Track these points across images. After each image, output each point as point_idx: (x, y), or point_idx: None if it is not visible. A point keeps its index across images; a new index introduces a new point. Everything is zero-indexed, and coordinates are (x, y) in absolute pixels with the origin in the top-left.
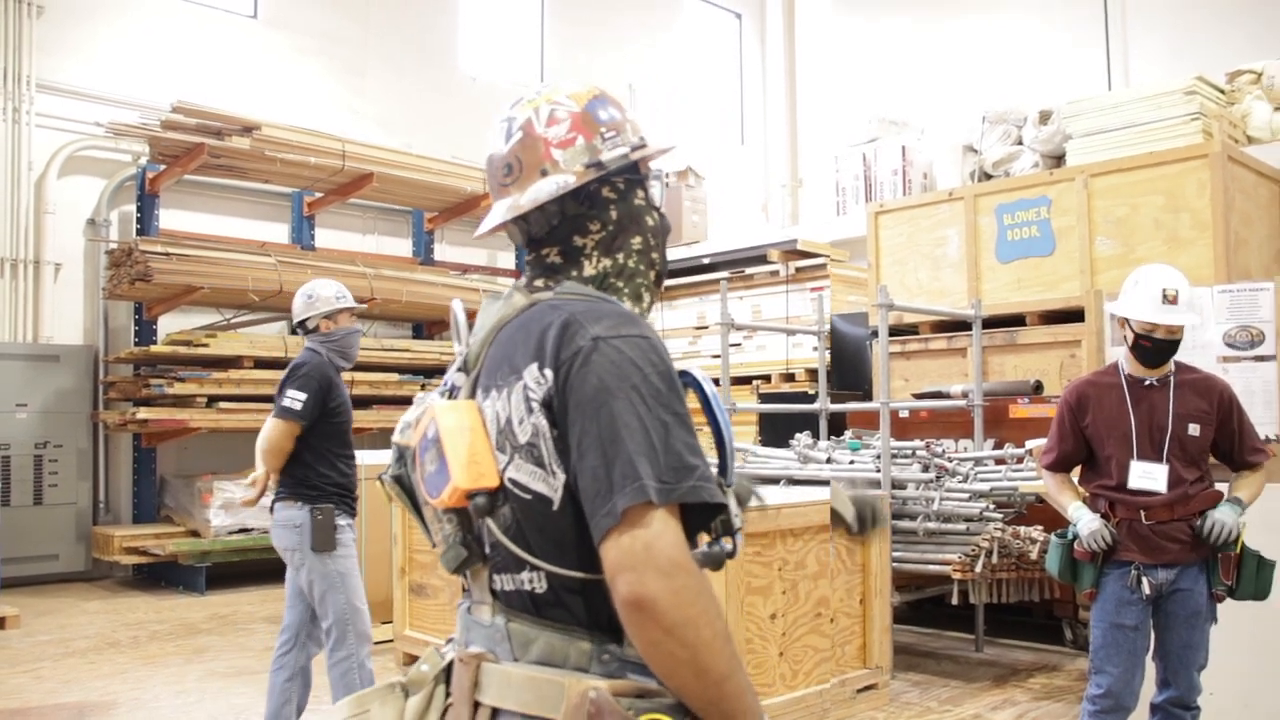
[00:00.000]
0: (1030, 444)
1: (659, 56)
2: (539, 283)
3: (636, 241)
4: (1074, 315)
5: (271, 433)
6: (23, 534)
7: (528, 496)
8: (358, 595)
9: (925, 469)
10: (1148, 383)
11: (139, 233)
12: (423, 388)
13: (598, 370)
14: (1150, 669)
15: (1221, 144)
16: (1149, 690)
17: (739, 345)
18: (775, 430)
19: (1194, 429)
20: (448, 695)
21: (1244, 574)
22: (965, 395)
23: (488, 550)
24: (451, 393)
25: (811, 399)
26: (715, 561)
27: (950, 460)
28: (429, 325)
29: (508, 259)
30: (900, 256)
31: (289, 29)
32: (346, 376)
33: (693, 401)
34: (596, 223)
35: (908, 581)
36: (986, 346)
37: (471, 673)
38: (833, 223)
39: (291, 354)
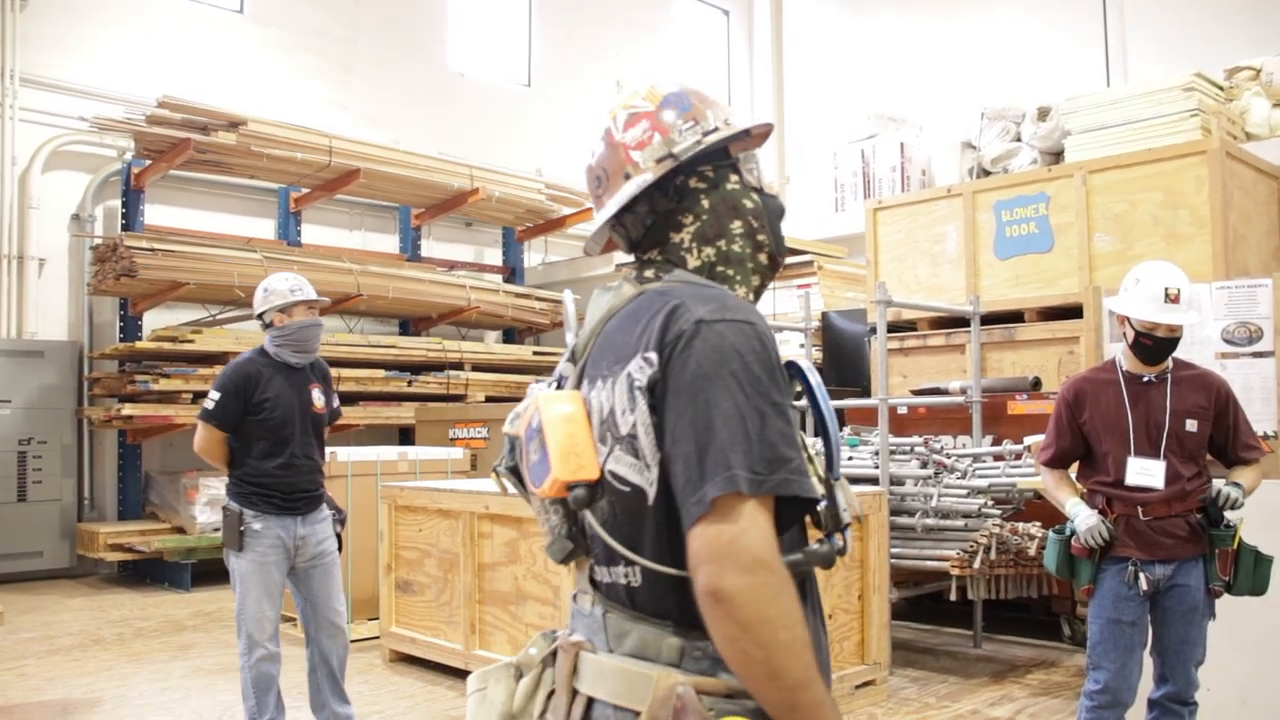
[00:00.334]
0: (1029, 440)
1: (647, 53)
2: (648, 273)
3: (737, 226)
4: (1072, 312)
5: (196, 433)
6: (7, 531)
7: (625, 489)
8: (251, 598)
9: (923, 465)
10: (1145, 379)
11: (124, 228)
12: (409, 384)
13: (698, 355)
14: (1148, 664)
15: (1220, 140)
16: (1147, 686)
17: None
18: None
19: (1191, 425)
20: (554, 680)
21: (1241, 569)
22: (963, 391)
23: (589, 542)
24: (559, 383)
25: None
26: (826, 559)
27: (948, 457)
28: (416, 321)
29: (495, 255)
30: (899, 253)
31: (276, 25)
32: (332, 372)
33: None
34: (689, 215)
35: (906, 577)
36: (985, 343)
37: (571, 660)
38: (831, 219)
39: None
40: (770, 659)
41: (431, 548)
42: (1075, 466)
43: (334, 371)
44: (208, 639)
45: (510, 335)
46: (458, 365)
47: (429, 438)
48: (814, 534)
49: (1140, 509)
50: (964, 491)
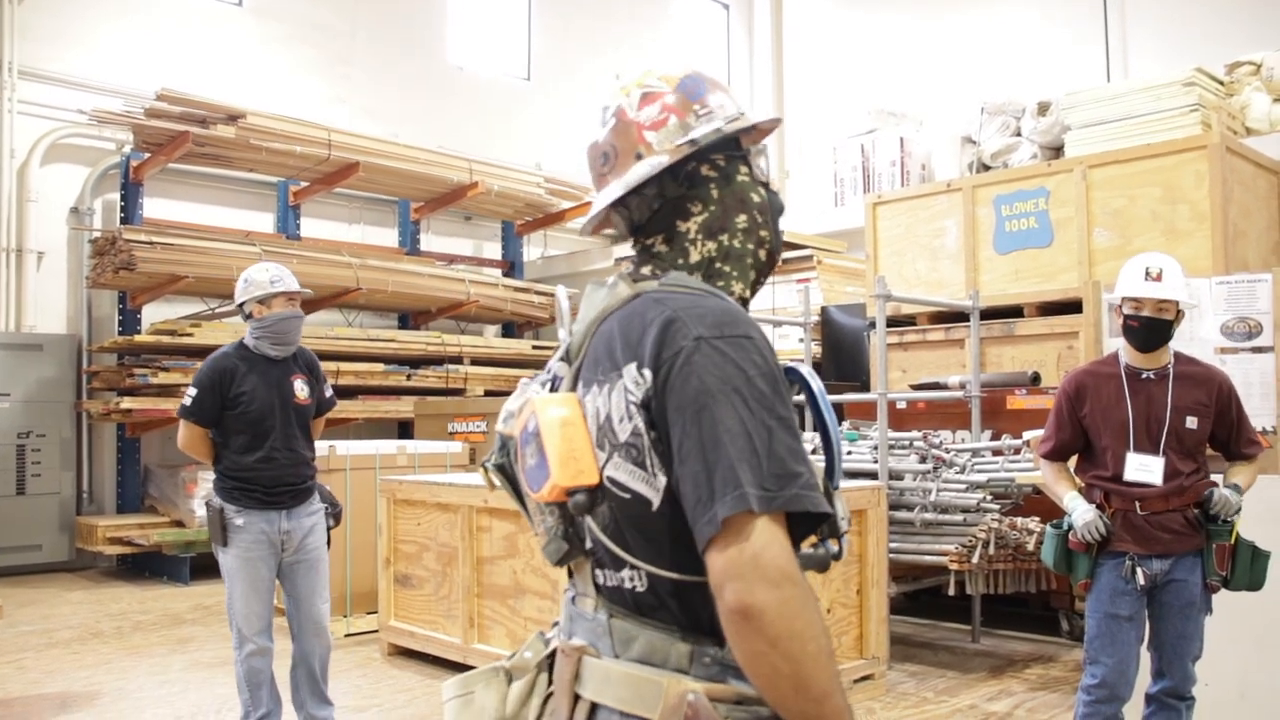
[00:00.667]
0: (1027, 435)
1: (647, 47)
2: (645, 270)
3: (742, 220)
4: (1072, 306)
5: (179, 430)
6: (6, 524)
7: (626, 496)
8: (239, 593)
9: (922, 460)
10: (1146, 375)
11: (123, 221)
12: (408, 377)
13: (699, 372)
14: (1145, 659)
15: (1220, 135)
16: (1144, 680)
17: None
18: None
19: (1192, 422)
20: (549, 684)
21: (1238, 565)
22: (963, 386)
23: (589, 545)
24: (553, 383)
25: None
26: (821, 564)
27: (947, 451)
28: (415, 315)
29: (494, 249)
30: (898, 247)
31: (275, 18)
32: (330, 366)
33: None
34: (698, 203)
35: (904, 572)
36: (984, 338)
37: (573, 665)
38: (830, 214)
39: None
40: (798, 672)
41: (430, 541)
42: (1074, 461)
43: (333, 365)
44: (206, 632)
45: (509, 329)
46: (457, 359)
47: (428, 432)
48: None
49: (1138, 504)
50: (963, 486)
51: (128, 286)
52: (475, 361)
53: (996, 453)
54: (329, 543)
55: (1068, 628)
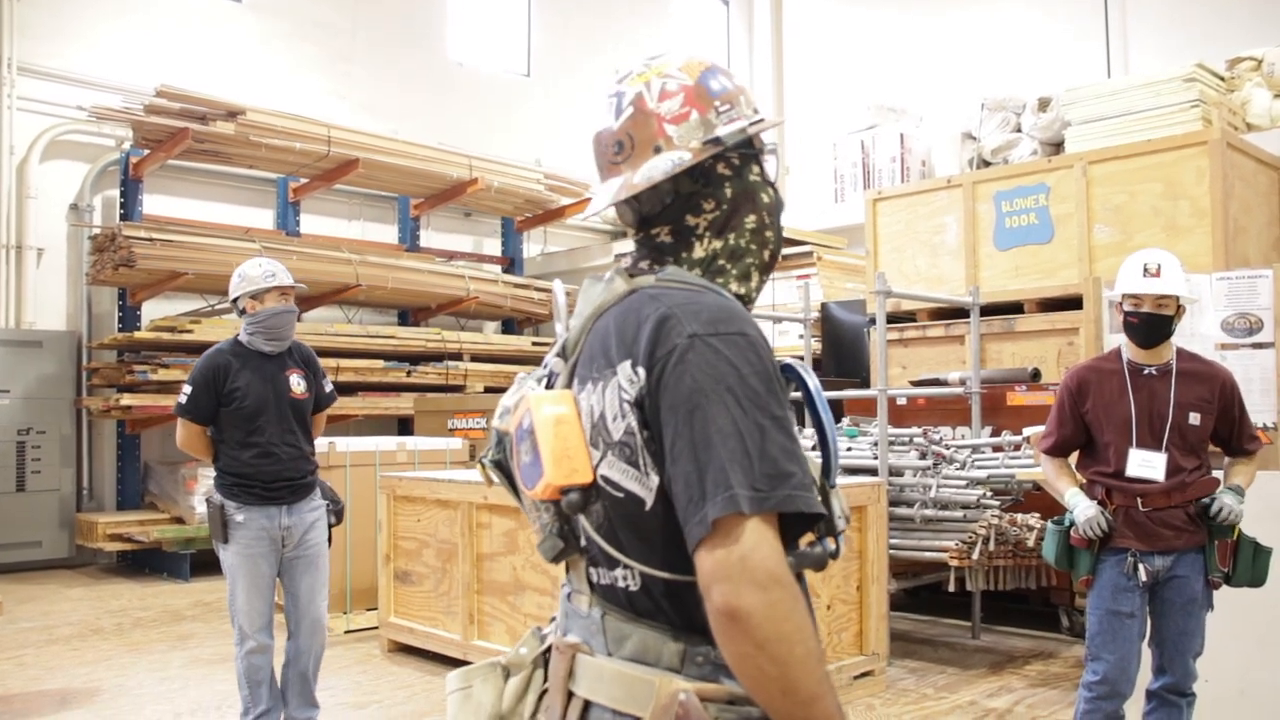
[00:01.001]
0: (1028, 431)
1: (647, 43)
2: (643, 265)
3: (751, 220)
4: (1072, 303)
5: (177, 429)
6: (6, 521)
7: (619, 495)
8: (240, 590)
9: (922, 456)
10: (1148, 371)
11: (122, 218)
12: (408, 374)
13: (692, 370)
14: (1146, 656)
15: (1221, 131)
16: (1145, 677)
17: None
18: None
19: (1195, 418)
20: (545, 680)
21: (1240, 561)
22: (963, 382)
23: (583, 543)
24: (549, 379)
25: None
26: (818, 562)
27: (947, 448)
28: (415, 312)
29: (494, 246)
30: (898, 244)
31: (274, 14)
32: (330, 363)
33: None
34: (711, 201)
35: (904, 568)
36: (984, 334)
37: (567, 662)
38: (830, 210)
39: None
40: (786, 674)
41: (430, 538)
42: (1074, 457)
43: (333, 362)
44: (206, 629)
45: (509, 326)
46: (456, 356)
47: (428, 428)
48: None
49: (1140, 500)
50: (963, 482)
51: (127, 283)
52: (475, 358)
53: (997, 449)
54: (330, 540)
55: (1068, 624)
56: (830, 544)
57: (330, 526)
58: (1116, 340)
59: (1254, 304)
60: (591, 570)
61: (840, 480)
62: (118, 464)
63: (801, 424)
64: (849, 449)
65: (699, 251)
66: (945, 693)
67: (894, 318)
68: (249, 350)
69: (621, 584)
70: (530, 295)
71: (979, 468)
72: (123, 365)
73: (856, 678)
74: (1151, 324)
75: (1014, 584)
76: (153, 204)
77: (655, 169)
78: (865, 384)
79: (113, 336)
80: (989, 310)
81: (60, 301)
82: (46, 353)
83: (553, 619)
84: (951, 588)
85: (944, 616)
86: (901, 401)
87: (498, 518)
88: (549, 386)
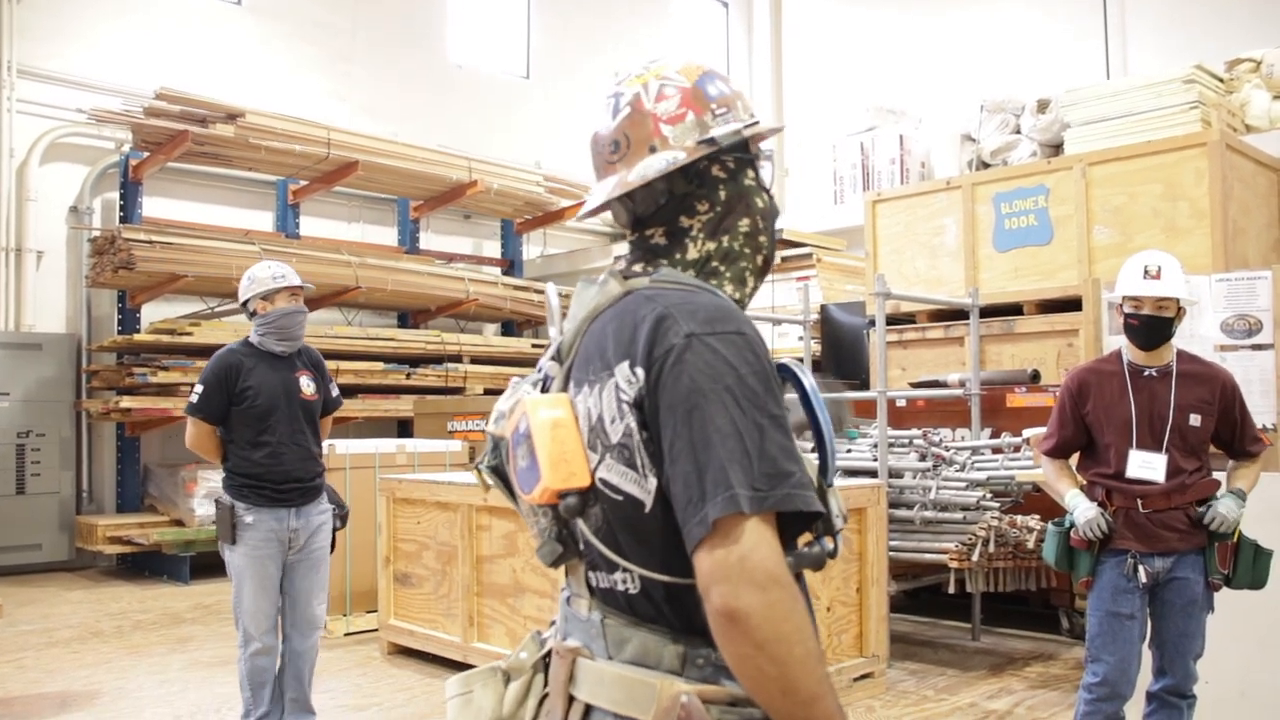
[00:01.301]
0: (1027, 433)
1: (646, 45)
2: (637, 267)
3: (744, 224)
4: (1071, 304)
5: (187, 428)
6: (5, 523)
7: (618, 498)
8: (247, 591)
9: (922, 458)
10: (1148, 372)
11: (122, 220)
12: (408, 376)
13: (690, 370)
14: (1147, 657)
15: (1220, 132)
16: (1145, 678)
17: None
18: None
19: (1195, 419)
20: (545, 684)
21: (1241, 563)
22: (962, 384)
23: (581, 547)
24: (544, 383)
25: None
26: (816, 562)
27: (947, 449)
28: (414, 314)
29: (493, 248)
30: (898, 245)
31: (274, 16)
32: (330, 365)
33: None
34: (705, 203)
35: (904, 570)
36: (984, 335)
37: (567, 666)
38: (830, 212)
39: None
40: (785, 675)
41: (430, 540)
42: (1074, 458)
43: (333, 364)
44: (206, 632)
45: (509, 328)
46: (456, 358)
47: (427, 430)
48: (804, 536)
49: (1140, 501)
50: (962, 484)
51: (127, 286)
52: (475, 360)
53: (996, 450)
54: (333, 545)
55: (1068, 625)
56: (828, 543)
57: (334, 531)
58: (1116, 342)
59: (1253, 305)
60: (591, 574)
61: (840, 482)
62: (117, 466)
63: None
64: (849, 451)
65: (693, 253)
66: (945, 694)
67: (893, 319)
68: (260, 351)
69: (621, 587)
70: (530, 297)
71: (979, 469)
72: (122, 368)
73: (856, 680)
74: (1152, 326)
75: (1014, 586)
76: (152, 206)
77: (650, 167)
78: (865, 386)
79: (112, 339)
80: (988, 312)
81: (60, 304)
82: (46, 355)
83: (552, 622)
84: (951, 589)
85: (944, 618)
86: (901, 403)
87: (497, 520)
88: (544, 390)
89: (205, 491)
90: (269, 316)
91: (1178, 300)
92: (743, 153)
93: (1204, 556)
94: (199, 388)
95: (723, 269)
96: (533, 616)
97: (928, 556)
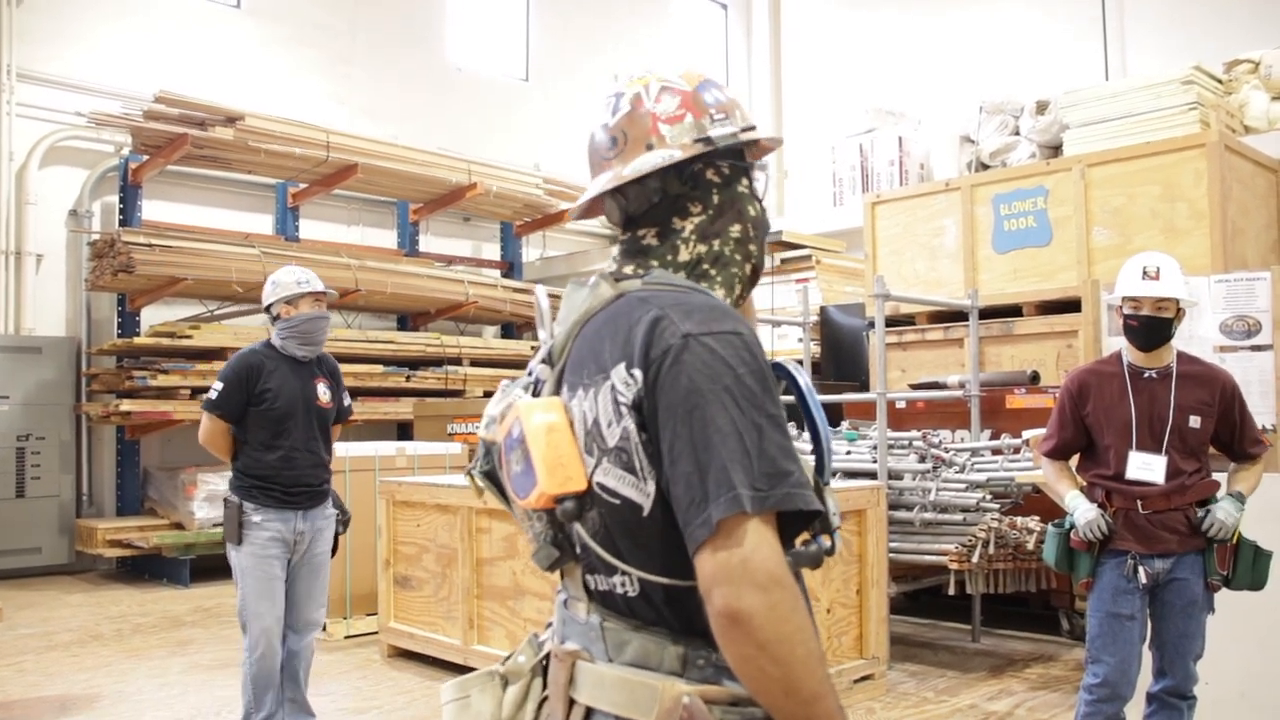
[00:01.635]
0: (1027, 434)
1: (645, 47)
2: (628, 269)
3: (735, 230)
4: (1071, 305)
5: (201, 424)
6: (5, 527)
7: (616, 501)
8: (252, 592)
9: (922, 460)
10: (1147, 374)
11: (122, 224)
12: (407, 379)
13: (689, 370)
14: (1147, 658)
15: (1219, 133)
16: (1145, 679)
17: None
18: None
19: (1195, 421)
20: (544, 688)
21: (1240, 564)
22: (962, 386)
23: (579, 550)
24: (535, 386)
25: None
26: (814, 560)
27: (947, 451)
28: (414, 317)
29: (493, 250)
30: (897, 247)
31: (273, 19)
32: None
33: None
34: (698, 205)
35: (904, 572)
36: (983, 337)
37: (567, 670)
38: (829, 213)
39: None
40: (787, 675)
41: (430, 543)
42: (1074, 460)
43: None
44: (206, 635)
45: (508, 330)
46: (456, 360)
47: (427, 433)
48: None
49: (1139, 503)
50: (962, 486)
51: (127, 289)
52: (474, 363)
53: (996, 452)
54: (335, 549)
55: (1068, 627)
56: (826, 541)
57: (336, 535)
58: (1116, 343)
59: (1252, 306)
60: (588, 577)
61: (839, 484)
62: (117, 470)
63: (801, 428)
64: (848, 452)
65: (684, 254)
66: (945, 696)
67: (893, 321)
68: (282, 355)
69: (620, 590)
70: (529, 300)
71: (978, 471)
72: (122, 371)
73: (856, 681)
74: (1151, 327)
75: (1014, 587)
76: (152, 210)
77: (645, 163)
78: (864, 387)
79: (112, 342)
80: (988, 313)
81: (59, 307)
82: (46, 359)
83: (549, 625)
84: (951, 591)
85: (944, 620)
86: (901, 405)
87: (497, 522)
88: (535, 394)
89: (205, 495)
90: (292, 321)
91: (1177, 301)
92: (738, 160)
93: (1203, 557)
94: (218, 384)
95: (714, 272)
96: (533, 619)
97: (928, 558)
